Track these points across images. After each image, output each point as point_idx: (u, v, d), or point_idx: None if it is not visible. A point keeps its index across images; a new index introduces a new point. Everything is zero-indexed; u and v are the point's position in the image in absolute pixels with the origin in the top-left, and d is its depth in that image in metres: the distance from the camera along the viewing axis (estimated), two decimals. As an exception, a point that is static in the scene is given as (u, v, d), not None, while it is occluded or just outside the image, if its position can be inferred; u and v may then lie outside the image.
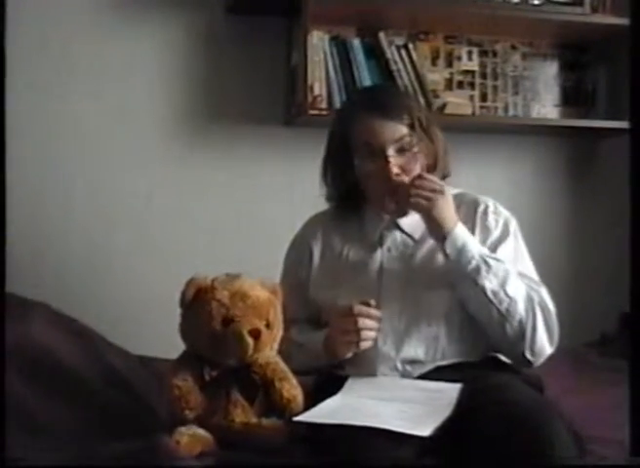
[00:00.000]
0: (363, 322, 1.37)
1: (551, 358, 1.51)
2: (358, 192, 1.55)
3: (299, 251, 1.61)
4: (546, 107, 2.41)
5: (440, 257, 1.46)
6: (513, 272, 1.43)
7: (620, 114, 2.27)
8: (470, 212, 1.53)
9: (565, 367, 1.86)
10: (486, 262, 1.39)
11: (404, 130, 1.45)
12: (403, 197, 1.42)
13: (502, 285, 1.39)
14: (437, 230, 1.41)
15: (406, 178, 1.45)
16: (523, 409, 1.19)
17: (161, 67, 2.24)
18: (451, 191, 1.54)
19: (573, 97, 2.42)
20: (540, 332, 1.42)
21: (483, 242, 1.48)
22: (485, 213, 1.53)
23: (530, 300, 1.42)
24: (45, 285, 2.07)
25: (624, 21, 2.14)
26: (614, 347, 2.12)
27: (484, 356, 1.47)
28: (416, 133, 1.46)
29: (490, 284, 1.38)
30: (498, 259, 1.42)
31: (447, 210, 1.41)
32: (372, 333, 1.39)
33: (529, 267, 1.52)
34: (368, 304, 1.39)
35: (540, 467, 1.12)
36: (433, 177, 1.43)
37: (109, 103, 2.20)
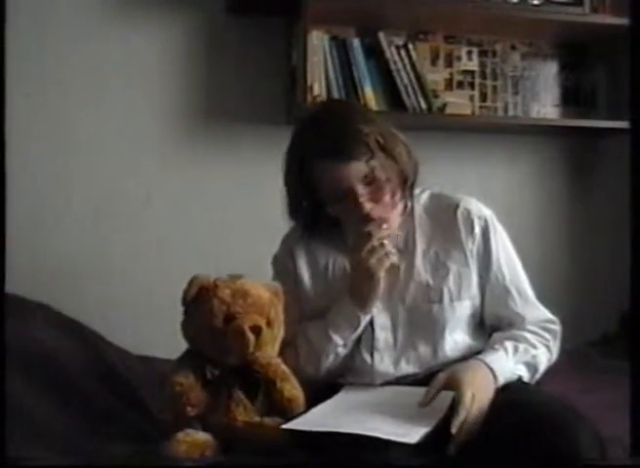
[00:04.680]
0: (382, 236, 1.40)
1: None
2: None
3: (282, 271, 1.56)
4: (546, 107, 2.41)
5: (427, 268, 1.46)
6: (534, 350, 1.44)
7: (620, 114, 2.27)
8: (450, 217, 1.49)
9: (566, 367, 1.86)
10: (521, 371, 1.41)
11: (365, 166, 1.39)
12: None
13: (536, 371, 1.43)
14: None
15: (380, 209, 1.41)
16: (544, 410, 1.20)
17: (161, 67, 2.24)
18: (424, 193, 1.55)
19: (573, 97, 2.42)
20: (555, 353, 1.49)
21: (471, 253, 1.47)
22: (468, 217, 1.48)
23: (548, 349, 1.46)
24: (45, 285, 2.06)
25: (624, 21, 2.14)
26: (614, 347, 2.12)
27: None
28: (378, 159, 1.40)
29: (530, 380, 1.42)
30: (525, 361, 1.42)
31: (490, 386, 1.31)
32: (392, 247, 1.41)
33: (518, 268, 1.52)
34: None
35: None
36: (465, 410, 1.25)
37: (109, 103, 2.20)
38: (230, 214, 2.27)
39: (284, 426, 1.24)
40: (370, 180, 1.40)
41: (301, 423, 1.25)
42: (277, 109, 2.27)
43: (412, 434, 1.16)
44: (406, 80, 2.20)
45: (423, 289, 1.45)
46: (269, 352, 1.34)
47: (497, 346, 1.41)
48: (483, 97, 2.37)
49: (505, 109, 2.38)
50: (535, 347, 1.44)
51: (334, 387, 1.43)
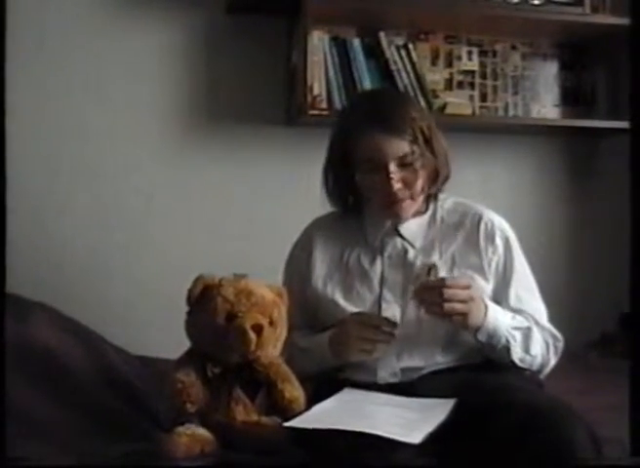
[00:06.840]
0: (382, 335, 1.38)
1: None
2: (359, 198, 1.55)
3: (299, 256, 1.60)
4: (546, 107, 2.41)
5: (442, 268, 1.47)
6: (534, 329, 1.46)
7: (620, 114, 2.27)
8: (473, 225, 1.53)
9: (564, 367, 1.86)
10: (513, 336, 1.42)
11: (407, 146, 1.43)
12: (432, 304, 1.36)
13: (527, 350, 1.44)
14: (470, 330, 1.41)
15: (407, 193, 1.45)
16: (542, 410, 1.20)
17: (161, 67, 2.24)
18: (449, 199, 1.57)
19: (573, 97, 2.42)
20: (552, 363, 1.50)
21: (488, 263, 1.50)
22: (491, 228, 1.53)
23: (546, 346, 1.48)
24: (45, 285, 2.07)
25: (624, 21, 2.14)
26: (614, 347, 2.13)
27: (483, 357, 1.48)
28: (418, 146, 1.44)
29: (517, 354, 1.43)
30: (521, 327, 1.44)
31: (479, 310, 1.39)
32: (385, 347, 1.40)
33: (532, 283, 1.55)
34: (388, 320, 1.40)
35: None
36: (460, 284, 1.37)
37: (109, 103, 2.21)
38: (230, 214, 2.27)
39: (286, 424, 1.24)
40: (405, 163, 1.43)
41: (303, 421, 1.25)
42: (277, 109, 2.27)
43: (414, 434, 1.16)
44: (406, 80, 2.20)
45: None
46: (271, 352, 1.34)
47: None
48: (483, 97, 2.37)
49: (506, 109, 2.38)
50: (532, 326, 1.46)
51: (335, 384, 1.44)
